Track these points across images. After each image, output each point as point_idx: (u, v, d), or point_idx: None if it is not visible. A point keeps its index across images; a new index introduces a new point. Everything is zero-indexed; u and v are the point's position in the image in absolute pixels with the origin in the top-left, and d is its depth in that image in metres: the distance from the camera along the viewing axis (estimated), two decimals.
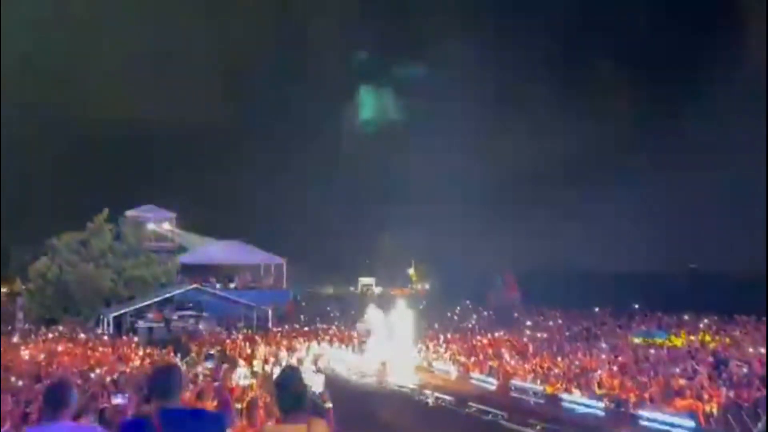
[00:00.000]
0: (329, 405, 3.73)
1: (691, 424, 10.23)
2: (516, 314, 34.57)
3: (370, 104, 64.88)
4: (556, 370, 15.70)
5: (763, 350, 18.24)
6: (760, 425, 9.03)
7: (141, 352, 20.65)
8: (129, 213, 39.10)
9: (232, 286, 41.20)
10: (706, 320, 27.11)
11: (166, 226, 43.10)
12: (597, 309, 34.99)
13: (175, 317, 32.04)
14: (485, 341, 21.57)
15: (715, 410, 12.95)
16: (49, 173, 48.07)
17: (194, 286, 34.40)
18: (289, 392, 3.30)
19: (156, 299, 31.79)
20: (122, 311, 30.69)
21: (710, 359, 16.21)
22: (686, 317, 28.74)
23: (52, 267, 31.18)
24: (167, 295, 32.94)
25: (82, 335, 26.51)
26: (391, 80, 62.70)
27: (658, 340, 20.79)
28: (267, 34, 56.81)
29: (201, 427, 3.05)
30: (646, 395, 12.81)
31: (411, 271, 62.33)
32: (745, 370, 14.83)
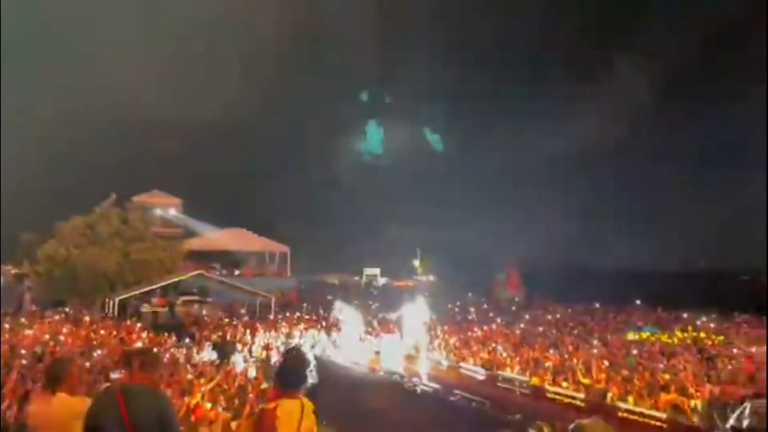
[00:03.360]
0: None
1: (666, 416, 10.43)
2: (514, 308, 34.79)
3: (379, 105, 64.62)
4: (547, 363, 15.96)
5: (753, 349, 18.43)
6: (733, 419, 9.24)
7: (144, 336, 21.08)
8: (136, 198, 39.63)
9: (236, 273, 41.75)
10: (704, 318, 27.25)
11: (173, 212, 43.65)
12: (597, 305, 35.18)
13: (179, 302, 32.57)
14: (480, 333, 21.90)
15: (699, 405, 13.21)
16: (59, 158, 48.65)
17: (199, 272, 34.86)
18: (292, 371, 3.44)
19: (161, 284, 32.27)
20: (127, 295, 31.18)
21: (698, 356, 16.39)
22: (685, 315, 28.88)
23: (60, 249, 31.70)
24: (172, 281, 33.42)
25: (87, 318, 26.97)
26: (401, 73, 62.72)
27: (650, 336, 21.00)
28: (284, 28, 56.90)
29: (155, 401, 3.32)
30: (630, 388, 13.09)
31: (416, 262, 62.66)
32: (730, 367, 15.02)
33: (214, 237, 43.61)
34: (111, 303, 30.65)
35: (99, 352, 15.88)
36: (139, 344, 18.89)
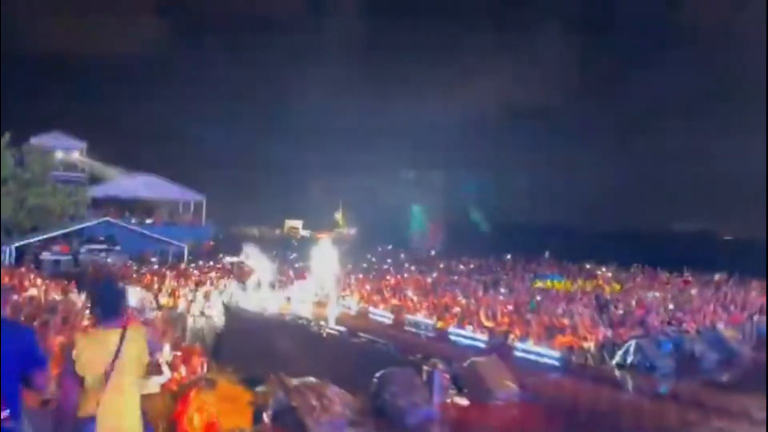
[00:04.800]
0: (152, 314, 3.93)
1: (559, 355, 10.97)
2: (433, 252, 35.46)
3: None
4: (455, 309, 16.37)
5: (649, 295, 19.80)
6: (619, 356, 9.83)
7: (38, 282, 19.84)
8: (34, 139, 36.75)
9: (148, 221, 39.99)
10: (604, 269, 28.88)
11: (76, 155, 40.89)
12: (509, 256, 36.50)
13: (83, 250, 30.99)
14: (393, 281, 22.16)
15: (593, 347, 14.05)
16: None
17: (105, 218, 33.16)
18: (101, 300, 3.45)
19: (63, 231, 30.53)
20: (26, 242, 29.32)
21: (594, 302, 17.32)
22: (588, 266, 30.51)
23: None
24: (75, 227, 31.68)
25: None
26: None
27: (555, 284, 22.03)
28: None
29: (16, 333, 3.21)
30: (530, 331, 13.69)
31: (338, 215, 62.76)
32: (622, 312, 15.99)
33: (123, 183, 41.38)
34: (8, 250, 28.82)
35: None
36: (32, 290, 17.86)
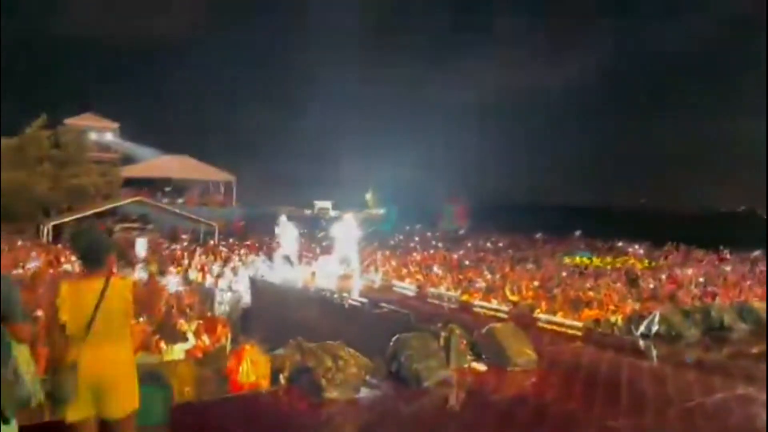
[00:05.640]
0: (152, 269, 3.94)
1: (581, 326, 10.80)
2: (461, 232, 35.28)
3: None
4: (480, 284, 16.27)
5: (679, 271, 19.33)
6: (643, 326, 9.60)
7: (73, 259, 20.45)
8: (69, 120, 37.59)
9: (180, 201, 40.72)
10: (636, 246, 28.33)
11: (110, 136, 41.70)
12: (539, 235, 36.13)
13: (117, 229, 31.75)
14: (419, 257, 22.13)
15: (620, 320, 13.81)
16: None
17: (138, 198, 33.86)
18: (83, 248, 3.41)
19: (97, 210, 31.31)
20: (62, 221, 30.18)
21: (624, 278, 17.00)
22: (619, 244, 30.00)
23: None
24: (109, 206, 32.46)
25: (20, 242, 26.10)
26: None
27: (584, 260, 21.68)
28: None
29: None
30: (556, 305, 13.52)
31: (368, 196, 62.98)
32: (652, 286, 15.66)
33: (156, 163, 42.12)
34: (45, 229, 29.73)
35: (20, 271, 15.34)
36: (66, 266, 18.43)
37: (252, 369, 7.22)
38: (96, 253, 3.35)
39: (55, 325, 3.21)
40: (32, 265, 17.95)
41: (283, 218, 22.76)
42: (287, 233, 20.89)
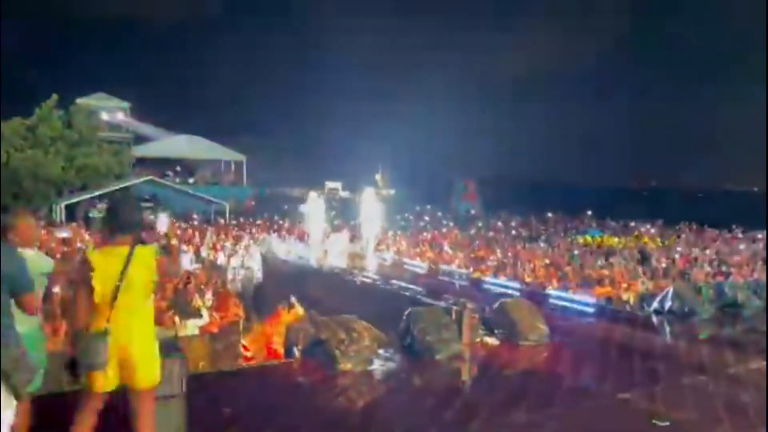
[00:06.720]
0: (173, 242, 3.86)
1: (593, 302, 10.81)
2: (473, 212, 35.20)
3: None
4: (491, 261, 16.27)
5: (694, 249, 19.20)
6: (657, 302, 9.57)
7: (86, 238, 20.66)
8: (80, 100, 37.67)
9: (191, 181, 40.89)
10: (648, 226, 28.12)
11: (120, 116, 41.80)
12: (550, 215, 35.96)
13: None
14: (430, 236, 22.12)
15: (632, 299, 13.77)
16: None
17: (149, 177, 34.00)
18: (117, 215, 3.36)
19: (109, 190, 31.48)
20: (73, 200, 30.41)
21: (636, 256, 16.91)
22: (632, 224, 29.79)
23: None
24: (121, 186, 32.63)
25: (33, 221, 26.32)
26: None
27: (596, 238, 21.57)
28: None
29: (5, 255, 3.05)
30: (567, 283, 13.49)
31: (378, 176, 62.85)
32: (664, 264, 15.56)
33: (166, 143, 42.22)
34: (58, 208, 29.99)
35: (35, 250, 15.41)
36: (78, 245, 18.64)
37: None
38: (128, 224, 3.32)
39: (84, 292, 3.16)
40: (63, 234, 18.07)
41: (312, 195, 22.90)
42: (315, 211, 20.97)
